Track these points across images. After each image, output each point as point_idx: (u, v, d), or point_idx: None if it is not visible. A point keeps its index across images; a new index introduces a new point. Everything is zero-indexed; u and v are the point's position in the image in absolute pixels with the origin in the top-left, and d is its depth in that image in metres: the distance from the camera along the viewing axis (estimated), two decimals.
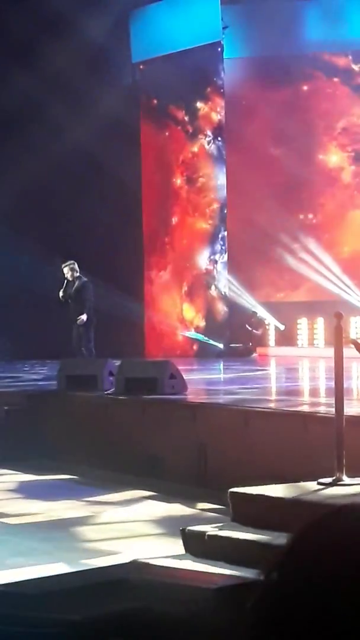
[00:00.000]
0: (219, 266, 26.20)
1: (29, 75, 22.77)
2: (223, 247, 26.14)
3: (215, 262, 26.27)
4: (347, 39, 24.30)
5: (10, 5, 23.23)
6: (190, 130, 26.67)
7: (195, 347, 25.26)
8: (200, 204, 26.55)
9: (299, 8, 24.74)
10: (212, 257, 26.33)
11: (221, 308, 25.96)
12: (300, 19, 24.85)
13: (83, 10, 22.94)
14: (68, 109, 23.30)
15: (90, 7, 23.33)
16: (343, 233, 25.72)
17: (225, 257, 26.02)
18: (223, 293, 25.90)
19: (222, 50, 24.87)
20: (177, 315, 26.49)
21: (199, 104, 26.40)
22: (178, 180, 26.97)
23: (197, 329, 26.08)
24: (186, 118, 26.69)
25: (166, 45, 25.01)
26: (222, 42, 24.71)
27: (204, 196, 26.52)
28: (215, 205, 26.35)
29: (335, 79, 25.81)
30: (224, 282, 25.94)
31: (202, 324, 26.04)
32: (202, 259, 26.40)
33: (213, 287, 26.23)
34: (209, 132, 26.40)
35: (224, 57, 24.95)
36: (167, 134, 27.01)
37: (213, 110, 26.30)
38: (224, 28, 24.42)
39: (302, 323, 24.58)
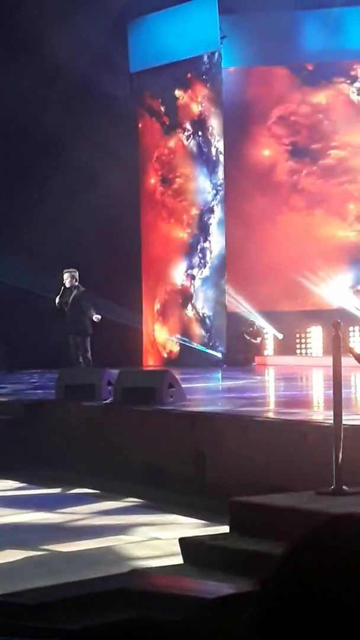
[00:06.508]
0: (197, 282, 23.02)
1: (24, 87, 22.81)
2: (202, 261, 22.83)
3: (193, 277, 23.08)
4: (345, 48, 23.64)
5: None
6: (167, 123, 23.49)
7: (193, 356, 23.95)
8: (176, 209, 23.35)
9: (297, 18, 24.41)
10: (189, 272, 23.16)
11: (198, 332, 23.14)
12: (298, 29, 24.49)
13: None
14: (61, 124, 23.19)
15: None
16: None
17: (205, 272, 22.84)
18: (202, 314, 22.94)
19: (221, 57, 24.13)
20: (149, 338, 23.77)
21: (177, 92, 23.23)
22: (152, 180, 23.79)
23: (169, 354, 23.77)
24: (162, 108, 23.43)
25: (164, 55, 24.27)
26: (220, 51, 24.18)
27: (182, 200, 23.31)
28: (195, 212, 23.14)
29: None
30: (202, 302, 22.95)
31: (176, 349, 23.25)
32: (178, 274, 23.32)
33: (190, 307, 23.21)
34: (188, 126, 23.23)
35: (222, 66, 24.26)
36: (140, 125, 23.98)
37: (193, 101, 23.16)
38: (222, 38, 24.17)
39: (301, 332, 24.46)
